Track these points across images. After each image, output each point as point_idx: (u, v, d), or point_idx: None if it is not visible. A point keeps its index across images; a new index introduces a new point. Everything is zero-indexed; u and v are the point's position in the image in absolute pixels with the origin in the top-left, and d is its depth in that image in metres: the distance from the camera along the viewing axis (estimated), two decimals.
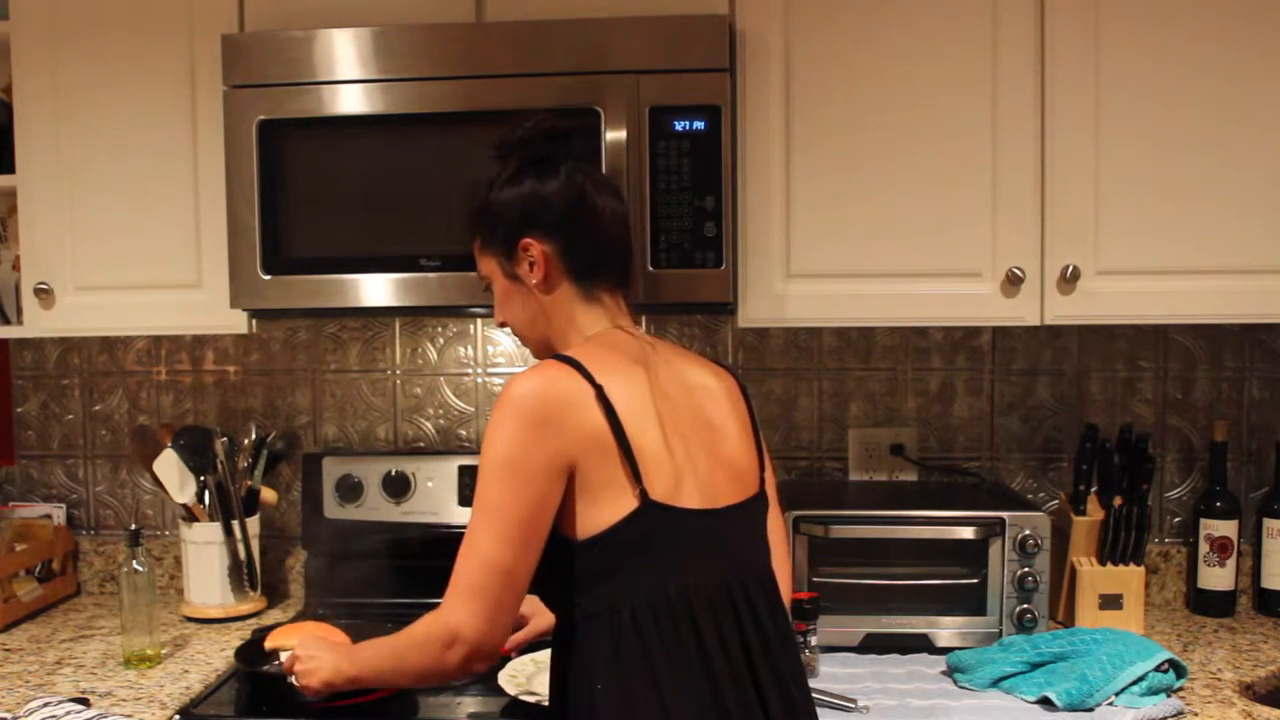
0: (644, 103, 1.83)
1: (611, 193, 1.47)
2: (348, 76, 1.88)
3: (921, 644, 1.96)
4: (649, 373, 1.38)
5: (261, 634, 2.00)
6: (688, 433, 1.38)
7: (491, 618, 1.30)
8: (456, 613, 1.30)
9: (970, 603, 1.95)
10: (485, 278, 1.51)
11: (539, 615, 1.78)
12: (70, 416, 2.45)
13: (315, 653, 1.53)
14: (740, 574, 1.38)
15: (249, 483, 2.25)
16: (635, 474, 1.30)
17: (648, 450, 1.32)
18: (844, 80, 1.91)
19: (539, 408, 1.29)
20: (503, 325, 1.51)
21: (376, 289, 1.90)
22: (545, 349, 1.46)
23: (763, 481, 1.48)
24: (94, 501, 2.46)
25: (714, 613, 1.33)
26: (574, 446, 1.29)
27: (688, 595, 1.32)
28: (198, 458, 2.19)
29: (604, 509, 1.30)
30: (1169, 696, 1.72)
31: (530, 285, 1.44)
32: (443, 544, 2.21)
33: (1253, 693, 1.82)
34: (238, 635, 2.09)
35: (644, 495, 1.30)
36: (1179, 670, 1.76)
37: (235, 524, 2.19)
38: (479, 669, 1.33)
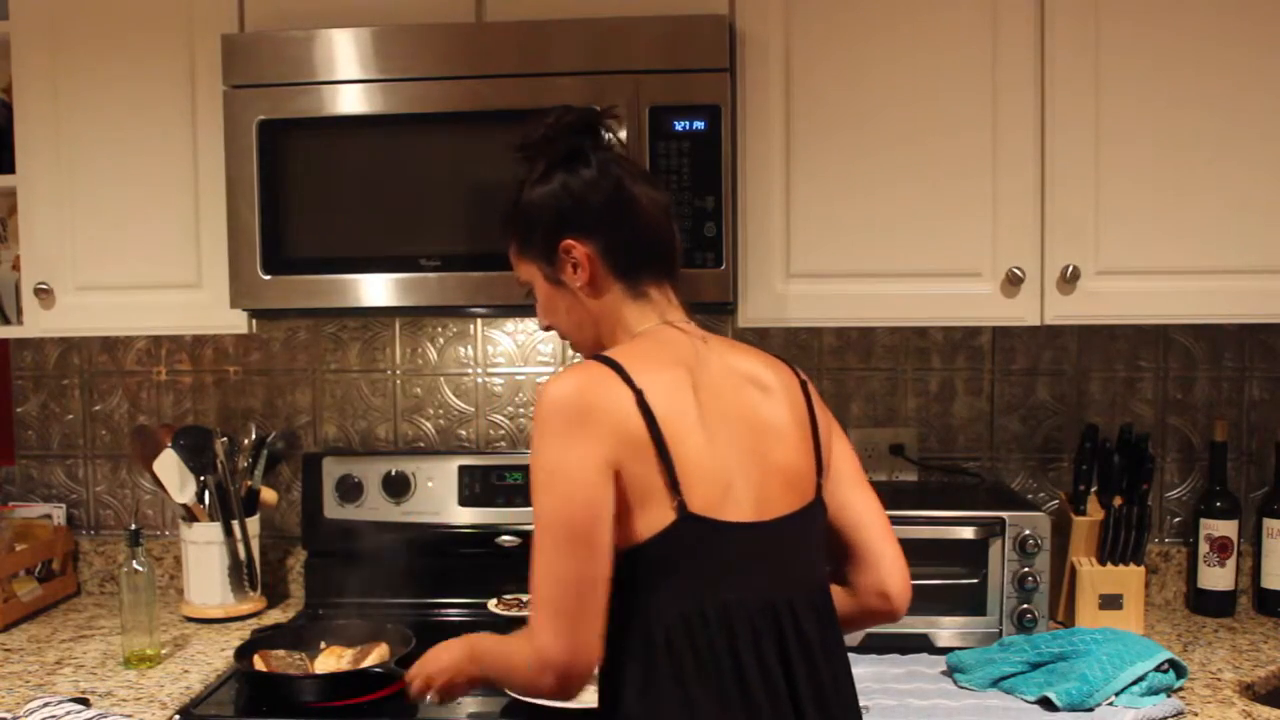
0: (644, 103, 1.83)
1: (648, 180, 1.41)
2: (348, 76, 1.88)
3: (921, 644, 1.96)
4: (697, 372, 1.31)
5: (261, 634, 2.00)
6: (739, 438, 1.30)
7: (573, 635, 1.21)
8: (540, 636, 1.22)
9: (970, 603, 1.95)
10: (526, 283, 1.43)
11: None
12: (70, 416, 2.45)
13: (444, 662, 1.45)
14: (788, 592, 1.30)
15: (249, 483, 2.25)
16: (674, 484, 1.23)
17: (690, 458, 1.24)
18: (844, 80, 1.91)
19: (576, 409, 1.23)
20: (548, 328, 1.45)
21: (376, 289, 1.90)
22: (596, 350, 1.37)
23: (819, 487, 1.37)
24: (94, 501, 2.46)
25: (755, 633, 1.26)
26: (615, 450, 1.22)
27: (728, 615, 1.25)
28: (198, 458, 2.19)
29: (643, 519, 1.24)
30: (1169, 696, 1.72)
31: (575, 289, 1.37)
32: (443, 544, 2.23)
33: (1253, 693, 1.82)
34: (238, 635, 2.09)
35: (682, 507, 1.23)
36: (1179, 670, 1.76)
37: (235, 524, 2.19)
38: (576, 689, 1.24)
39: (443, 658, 1.45)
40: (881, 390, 2.31)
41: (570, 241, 1.35)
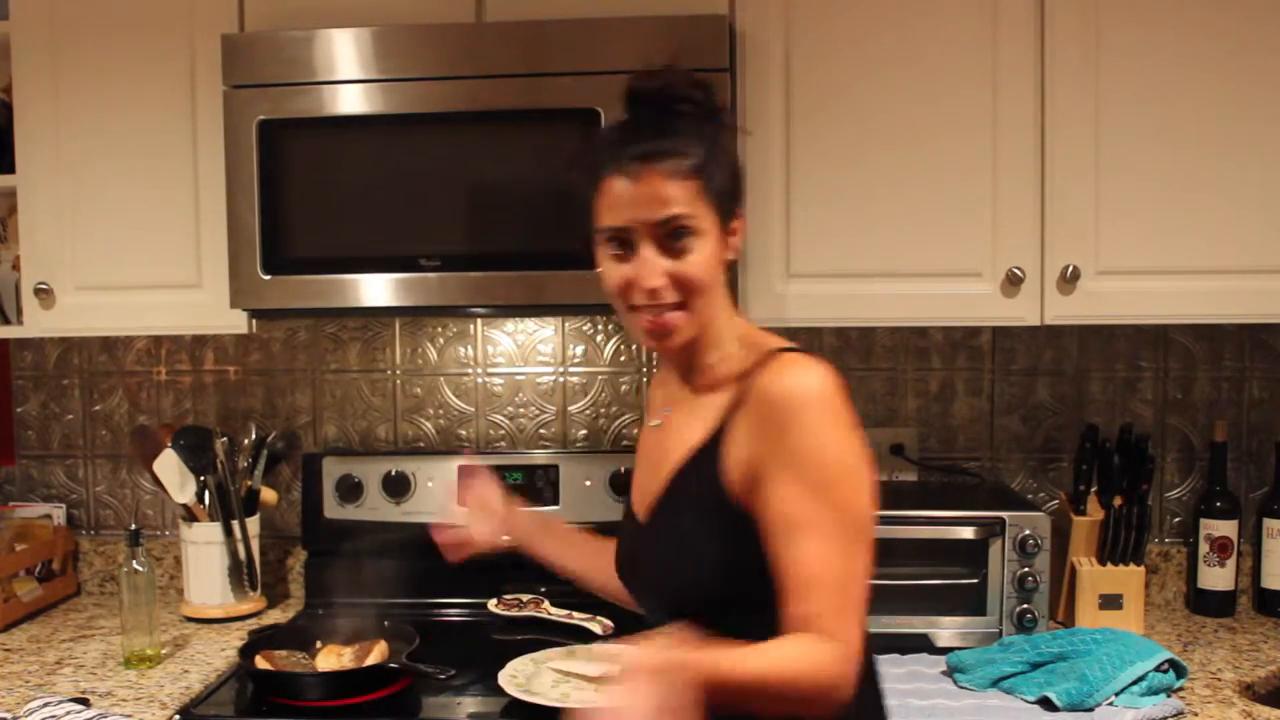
0: None
1: None
2: (348, 76, 1.88)
3: (921, 644, 1.96)
4: None
5: (260, 634, 2.00)
6: None
7: (861, 637, 1.17)
8: (851, 639, 1.14)
9: (970, 603, 1.95)
10: (694, 230, 1.23)
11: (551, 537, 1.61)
12: (70, 416, 2.45)
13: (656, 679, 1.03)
14: None
15: (249, 483, 2.25)
16: None
17: None
18: (844, 81, 1.91)
19: (845, 402, 1.23)
20: (651, 291, 1.23)
21: (376, 289, 1.90)
22: (692, 331, 1.27)
23: None
24: (94, 501, 2.46)
25: None
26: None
27: None
28: (198, 458, 2.19)
29: None
30: (1169, 696, 1.72)
31: (725, 259, 1.27)
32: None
33: (1253, 693, 1.82)
34: (238, 635, 2.09)
35: None
36: (1179, 670, 1.76)
37: (235, 524, 2.19)
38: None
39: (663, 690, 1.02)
40: (881, 390, 2.31)
41: (740, 209, 1.30)
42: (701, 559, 1.24)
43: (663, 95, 1.27)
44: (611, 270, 1.26)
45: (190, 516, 2.20)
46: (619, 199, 1.22)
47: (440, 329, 2.37)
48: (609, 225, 1.24)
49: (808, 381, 1.20)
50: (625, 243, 1.24)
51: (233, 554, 2.19)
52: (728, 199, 1.26)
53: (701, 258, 1.23)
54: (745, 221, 1.31)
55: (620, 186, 1.22)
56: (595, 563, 1.55)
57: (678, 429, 1.33)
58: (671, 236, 1.22)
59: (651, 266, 1.22)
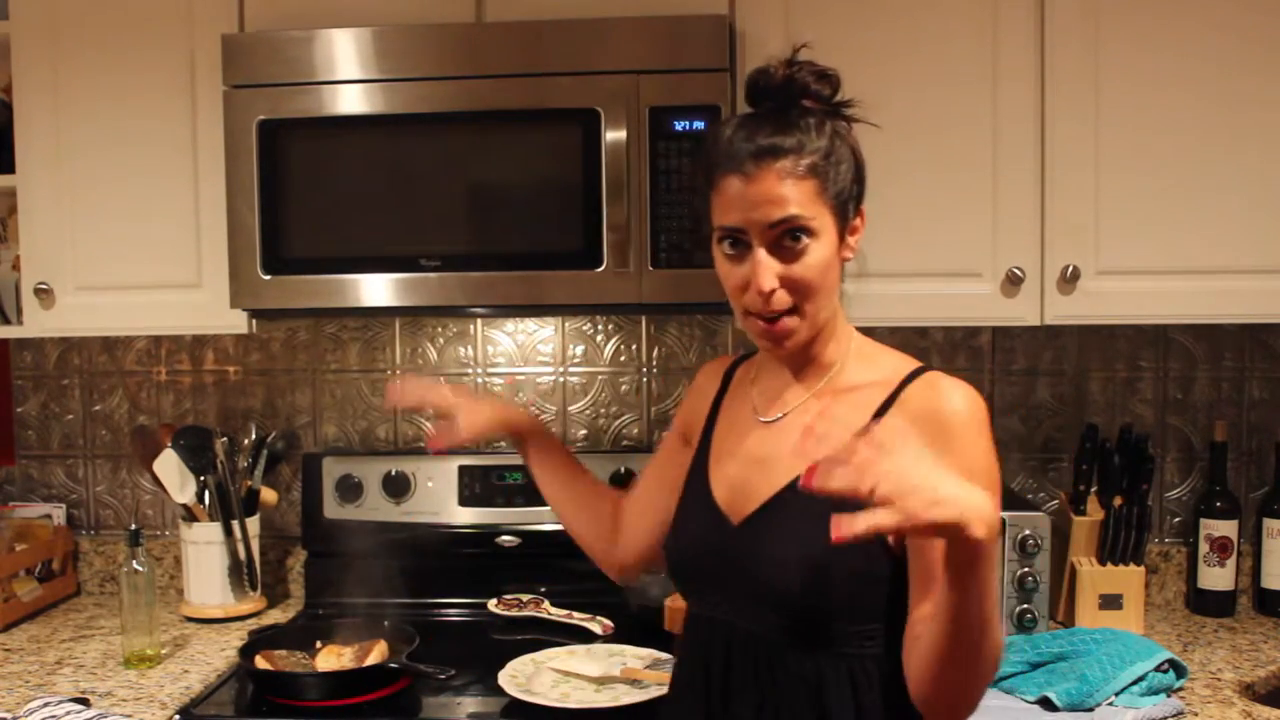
0: (644, 103, 1.83)
1: None
2: (348, 76, 1.88)
3: None
4: None
5: (260, 634, 2.00)
6: None
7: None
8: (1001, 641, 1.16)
9: None
10: (810, 230, 1.20)
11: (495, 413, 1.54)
12: (70, 416, 2.45)
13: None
14: None
15: (249, 483, 2.25)
16: None
17: None
18: (844, 81, 1.90)
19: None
20: (770, 290, 1.20)
21: (376, 289, 1.90)
22: (809, 334, 1.25)
23: None
24: (94, 501, 2.46)
25: None
26: None
27: None
28: (198, 458, 2.19)
29: None
30: (1169, 696, 1.72)
31: (842, 258, 1.25)
32: (443, 544, 2.23)
33: (1253, 693, 1.82)
34: (238, 635, 2.09)
35: None
36: (1179, 670, 1.76)
37: (235, 524, 2.19)
38: None
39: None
40: None
41: (863, 208, 1.28)
42: (822, 563, 1.19)
43: (785, 89, 1.24)
44: (726, 270, 1.24)
45: (190, 516, 2.20)
46: (733, 198, 1.20)
47: (440, 329, 2.38)
48: (723, 225, 1.22)
49: (975, 402, 1.25)
50: (740, 242, 1.21)
51: (233, 554, 2.19)
52: (848, 198, 1.24)
53: (817, 260, 1.20)
54: (865, 220, 1.28)
55: (735, 185, 1.20)
56: (588, 505, 1.54)
57: (798, 428, 1.24)
58: (787, 238, 1.19)
59: (765, 269, 1.19)
